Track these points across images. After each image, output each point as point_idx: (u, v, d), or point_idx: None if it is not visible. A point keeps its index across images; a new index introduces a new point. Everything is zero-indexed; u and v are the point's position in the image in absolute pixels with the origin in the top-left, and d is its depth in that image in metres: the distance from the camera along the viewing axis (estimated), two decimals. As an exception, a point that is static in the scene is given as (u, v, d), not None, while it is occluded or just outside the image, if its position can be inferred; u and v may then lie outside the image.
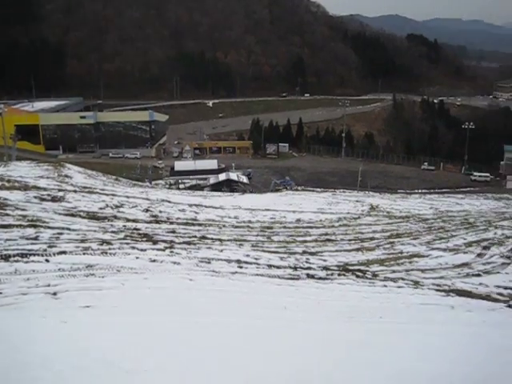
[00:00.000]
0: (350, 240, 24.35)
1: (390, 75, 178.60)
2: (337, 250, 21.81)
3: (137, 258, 15.17)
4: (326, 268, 18.41)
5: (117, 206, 26.65)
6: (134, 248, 16.42)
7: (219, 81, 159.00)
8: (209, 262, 16.66)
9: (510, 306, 15.66)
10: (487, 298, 16.55)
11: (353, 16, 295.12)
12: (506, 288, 17.83)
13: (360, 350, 9.11)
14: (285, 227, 26.63)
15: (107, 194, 31.09)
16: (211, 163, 76.97)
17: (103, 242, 16.68)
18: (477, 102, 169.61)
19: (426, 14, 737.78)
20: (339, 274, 17.68)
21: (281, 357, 7.81)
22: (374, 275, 18.14)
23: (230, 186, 60.67)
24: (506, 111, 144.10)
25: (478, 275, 19.44)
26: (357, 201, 41.31)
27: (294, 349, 8.51)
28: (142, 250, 16.34)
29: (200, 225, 24.80)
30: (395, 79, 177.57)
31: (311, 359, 7.97)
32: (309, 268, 18.17)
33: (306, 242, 23.16)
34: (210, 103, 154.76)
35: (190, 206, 31.21)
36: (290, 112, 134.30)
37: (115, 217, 23.36)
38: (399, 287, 16.84)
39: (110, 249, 15.76)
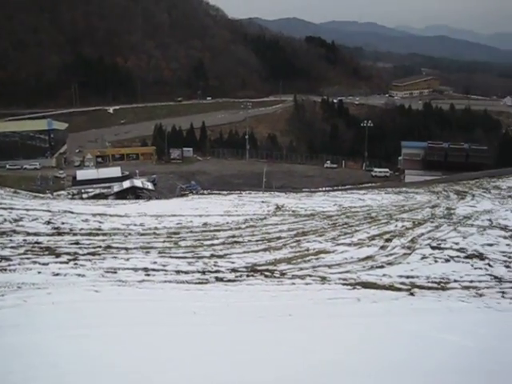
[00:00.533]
0: (257, 241, 24.46)
1: (291, 77, 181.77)
2: (244, 252, 21.85)
3: (39, 272, 14.61)
4: (234, 270, 18.40)
5: (16, 220, 25.55)
6: (35, 263, 15.82)
7: (120, 86, 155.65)
8: (115, 272, 16.29)
9: (411, 294, 16.26)
10: (391, 288, 17.08)
11: (252, 19, 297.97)
12: (407, 277, 18.49)
13: (270, 349, 9.13)
14: (192, 232, 26.42)
15: (5, 208, 29.75)
16: (115, 171, 75.28)
17: (1, 258, 15.94)
18: (374, 100, 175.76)
19: (323, 17, 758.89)
20: (248, 275, 17.72)
21: (190, 362, 7.69)
22: (282, 274, 18.31)
23: (134, 194, 59.55)
24: (402, 109, 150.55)
25: (382, 267, 20.05)
26: (262, 201, 41.67)
27: (204, 353, 8.41)
28: (44, 264, 15.78)
29: (105, 234, 24.20)
30: (296, 80, 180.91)
31: (221, 362, 7.91)
32: (217, 271, 18.10)
33: (213, 245, 23.07)
34: (111, 109, 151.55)
35: (94, 215, 30.39)
36: (192, 116, 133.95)
37: (14, 231, 22.39)
38: (307, 284, 17.08)
39: (9, 265, 15.11)
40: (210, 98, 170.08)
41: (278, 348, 9.27)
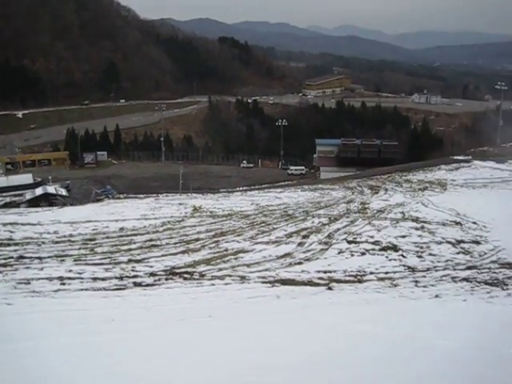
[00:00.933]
0: (175, 243, 24.17)
1: (205, 77, 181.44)
2: (163, 255, 21.55)
3: None
4: (152, 274, 18.12)
5: None
6: None
7: (28, 90, 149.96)
8: (28, 283, 15.79)
9: (330, 289, 16.54)
10: (309, 283, 17.33)
11: (164, 20, 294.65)
12: (325, 272, 18.82)
13: (189, 352, 9.04)
14: (108, 237, 25.76)
15: None
16: (26, 178, 72.36)
17: None
18: (288, 100, 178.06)
19: (235, 17, 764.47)
20: (166, 279, 17.51)
21: (108, 370, 7.53)
22: (202, 275, 18.19)
23: (48, 201, 57.44)
24: (315, 107, 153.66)
25: (300, 263, 20.29)
26: (180, 203, 41.24)
27: (122, 360, 8.23)
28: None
29: (16, 244, 23.25)
30: (210, 81, 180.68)
31: (142, 367, 7.83)
32: (135, 276, 17.79)
33: (130, 250, 22.60)
34: (20, 114, 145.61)
35: (4, 225, 29.05)
36: (106, 119, 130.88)
37: None
38: (226, 284, 17.06)
39: None
40: (123, 101, 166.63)
41: (198, 350, 9.20)
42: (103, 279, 17.12)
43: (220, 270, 19.14)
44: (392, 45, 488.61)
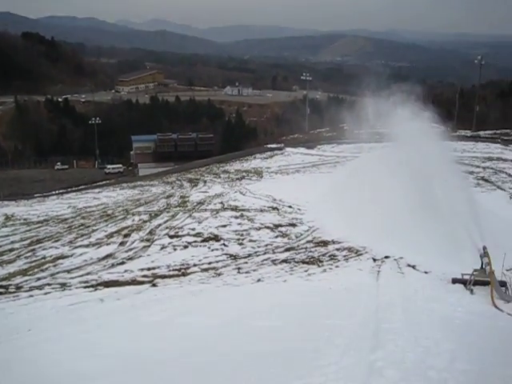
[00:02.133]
0: (-14, 257, 22.47)
1: (9, 76, 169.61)
2: (-29, 272, 19.91)
3: None
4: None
5: None
6: None
7: None
8: None
9: (154, 285, 16.45)
10: (133, 282, 17.07)
11: None
12: (149, 269, 18.65)
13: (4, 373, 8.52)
14: None
15: None
16: None
17: None
18: (101, 97, 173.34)
19: (40, 12, 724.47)
20: (-23, 297, 16.20)
21: None
22: (18, 287, 17.10)
23: None
24: (129, 104, 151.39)
25: (123, 263, 19.89)
26: (-10, 214, 38.50)
27: None
28: None
29: None
30: (16, 80, 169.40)
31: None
32: None
33: None
34: None
35: None
36: None
37: None
38: (46, 293, 16.21)
39: None
40: None
41: (16, 370, 8.69)
42: None
43: (38, 279, 18.13)
44: (203, 39, 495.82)
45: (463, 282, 15.43)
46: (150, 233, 24.89)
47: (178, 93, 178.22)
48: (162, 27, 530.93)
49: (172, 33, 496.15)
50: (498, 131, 66.01)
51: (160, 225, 26.62)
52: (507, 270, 16.47)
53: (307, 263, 18.95)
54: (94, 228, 27.30)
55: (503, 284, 15.03)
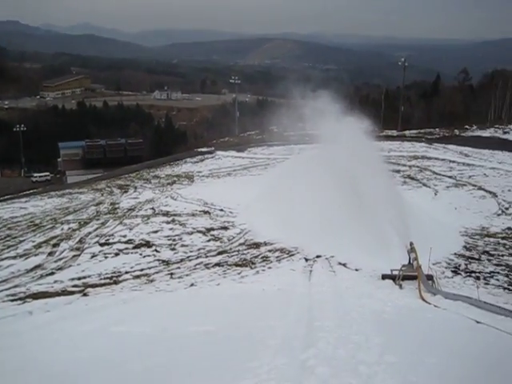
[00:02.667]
0: None
1: None
2: None
3: None
4: None
5: None
6: None
7: None
8: None
9: (85, 295, 16.09)
10: (63, 293, 16.63)
11: None
12: (79, 279, 18.24)
13: None
14: None
15: None
16: None
17: None
18: (25, 103, 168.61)
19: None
20: None
21: None
22: None
23: None
24: (55, 110, 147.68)
25: (52, 273, 19.35)
26: None
27: None
28: None
29: None
30: None
31: None
32: None
33: None
34: None
35: None
36: None
37: None
38: (-30, 309, 15.57)
39: None
40: None
41: None
42: None
43: (-38, 294, 17.41)
44: (132, 43, 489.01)
45: (392, 277, 15.92)
46: (80, 241, 24.32)
47: (106, 98, 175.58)
48: (90, 32, 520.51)
49: (100, 37, 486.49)
50: (422, 130, 68.47)
51: (90, 233, 26.06)
52: (433, 264, 17.12)
53: (240, 266, 19.06)
54: (21, 239, 26.42)
55: (430, 277, 15.60)
